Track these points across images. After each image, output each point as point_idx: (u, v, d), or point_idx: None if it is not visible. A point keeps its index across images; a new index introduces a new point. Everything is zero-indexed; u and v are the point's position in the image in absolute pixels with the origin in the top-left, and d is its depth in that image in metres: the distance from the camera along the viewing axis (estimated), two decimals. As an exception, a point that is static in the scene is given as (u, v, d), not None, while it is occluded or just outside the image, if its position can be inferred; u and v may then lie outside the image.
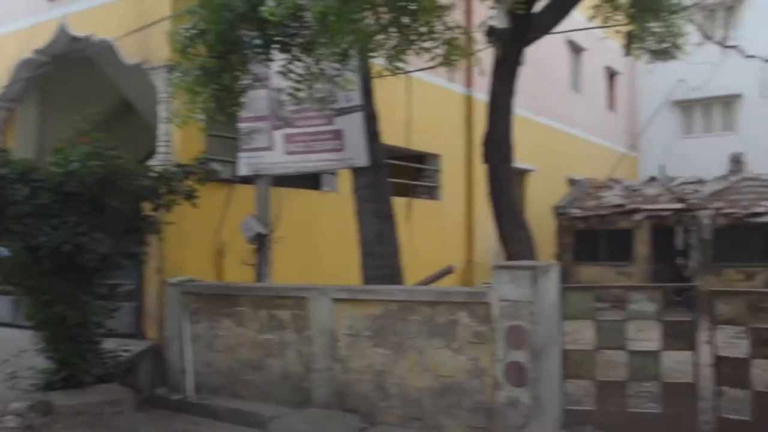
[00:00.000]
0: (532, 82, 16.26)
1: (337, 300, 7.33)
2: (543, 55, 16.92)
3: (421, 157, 14.64)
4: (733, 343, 6.43)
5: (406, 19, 6.79)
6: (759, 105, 22.38)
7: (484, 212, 10.92)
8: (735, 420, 6.14)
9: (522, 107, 13.22)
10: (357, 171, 8.57)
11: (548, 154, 18.93)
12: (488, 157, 9.28)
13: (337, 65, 6.71)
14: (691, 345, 6.32)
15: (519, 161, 10.91)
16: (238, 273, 9.24)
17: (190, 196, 8.25)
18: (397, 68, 7.08)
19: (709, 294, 6.43)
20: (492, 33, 9.20)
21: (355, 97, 8.29)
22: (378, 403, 7.02)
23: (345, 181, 9.88)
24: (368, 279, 8.26)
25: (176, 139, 8.97)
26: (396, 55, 6.97)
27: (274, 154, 9.06)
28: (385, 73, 7.38)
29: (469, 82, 15.19)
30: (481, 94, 11.84)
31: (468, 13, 14.00)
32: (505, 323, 6.25)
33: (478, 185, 13.18)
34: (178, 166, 8.43)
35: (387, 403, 6.97)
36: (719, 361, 6.24)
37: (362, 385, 7.13)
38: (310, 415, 7.18)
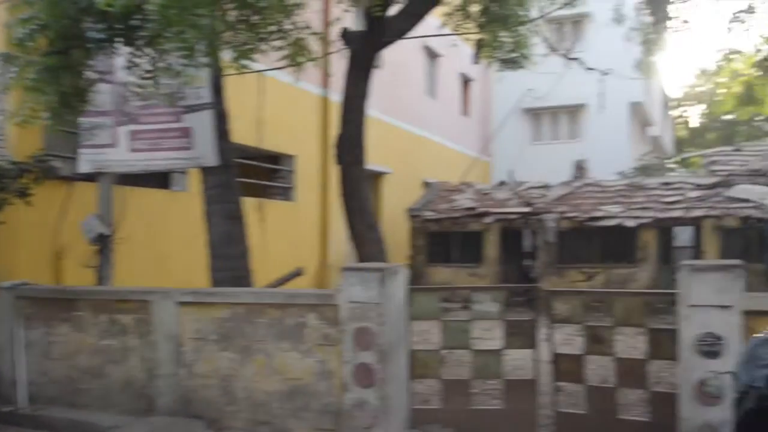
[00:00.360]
0: (388, 86, 16.52)
1: (182, 303, 7.07)
2: (399, 59, 17.22)
3: (275, 158, 14.45)
4: (570, 340, 6.70)
5: (255, 17, 6.67)
6: (599, 115, 23.74)
7: (339, 214, 10.92)
8: (572, 414, 6.38)
9: (378, 110, 13.38)
10: (206, 170, 8.33)
11: (403, 157, 19.25)
12: (341, 159, 9.31)
13: (184, 60, 6.49)
14: (531, 343, 6.50)
15: (374, 163, 11.03)
16: (78, 276, 8.75)
17: (23, 194, 7.77)
18: (244, 66, 6.93)
19: (547, 294, 6.70)
20: (346, 35, 9.23)
21: (205, 95, 8.04)
22: (224, 408, 6.85)
23: (195, 181, 9.59)
24: (216, 281, 8.06)
25: (11, 133, 8.41)
26: (244, 53, 6.83)
27: (117, 150, 8.63)
28: (232, 71, 7.21)
29: (325, 83, 15.09)
30: (337, 96, 11.84)
31: (326, 13, 13.93)
32: (353, 325, 6.26)
33: (334, 187, 13.17)
34: (13, 163, 7.92)
35: (234, 408, 6.81)
36: (557, 358, 6.46)
37: (208, 391, 6.93)
38: (152, 423, 6.91)
